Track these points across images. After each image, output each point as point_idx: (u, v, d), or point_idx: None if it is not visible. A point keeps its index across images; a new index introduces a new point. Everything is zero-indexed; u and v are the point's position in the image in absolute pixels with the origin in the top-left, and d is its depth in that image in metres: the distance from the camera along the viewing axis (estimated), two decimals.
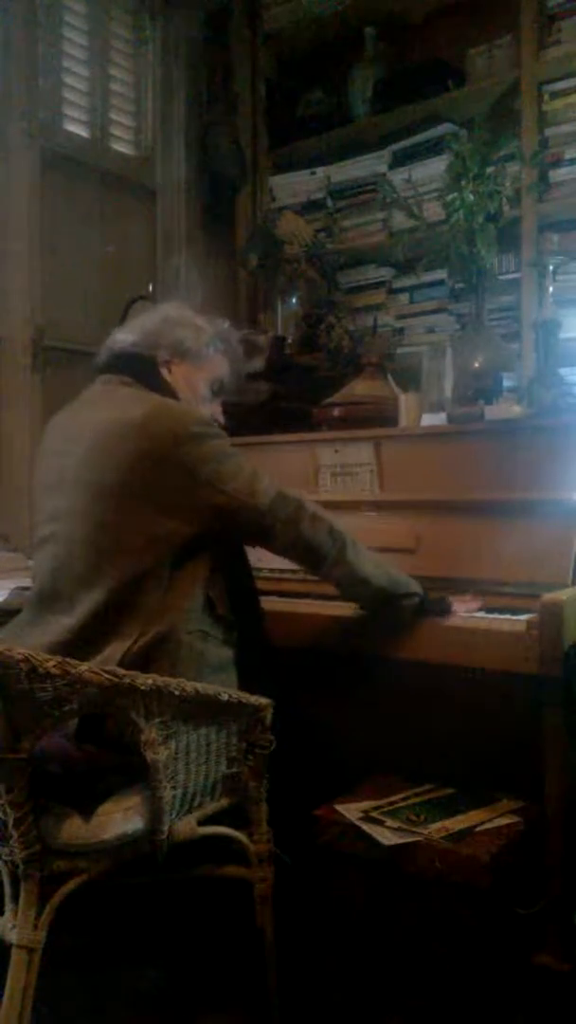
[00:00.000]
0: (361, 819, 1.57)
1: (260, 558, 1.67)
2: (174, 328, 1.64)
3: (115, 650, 1.37)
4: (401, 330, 2.92)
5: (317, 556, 1.53)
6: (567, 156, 2.54)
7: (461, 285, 2.60)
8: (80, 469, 1.48)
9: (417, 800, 1.66)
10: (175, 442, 1.44)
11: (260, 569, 1.79)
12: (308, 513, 1.51)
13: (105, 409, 1.52)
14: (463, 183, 2.20)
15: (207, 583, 1.48)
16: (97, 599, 1.41)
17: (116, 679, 1.21)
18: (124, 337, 1.64)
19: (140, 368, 1.59)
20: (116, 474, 1.44)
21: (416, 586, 1.62)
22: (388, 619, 1.63)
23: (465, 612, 1.63)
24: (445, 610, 1.63)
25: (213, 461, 1.46)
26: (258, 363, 2.45)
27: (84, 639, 1.39)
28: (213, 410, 1.72)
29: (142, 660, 1.37)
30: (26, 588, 1.61)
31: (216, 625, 1.50)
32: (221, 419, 1.75)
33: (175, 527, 1.43)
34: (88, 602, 1.42)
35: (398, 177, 2.83)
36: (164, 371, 1.62)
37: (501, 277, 2.57)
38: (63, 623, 1.43)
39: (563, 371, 2.04)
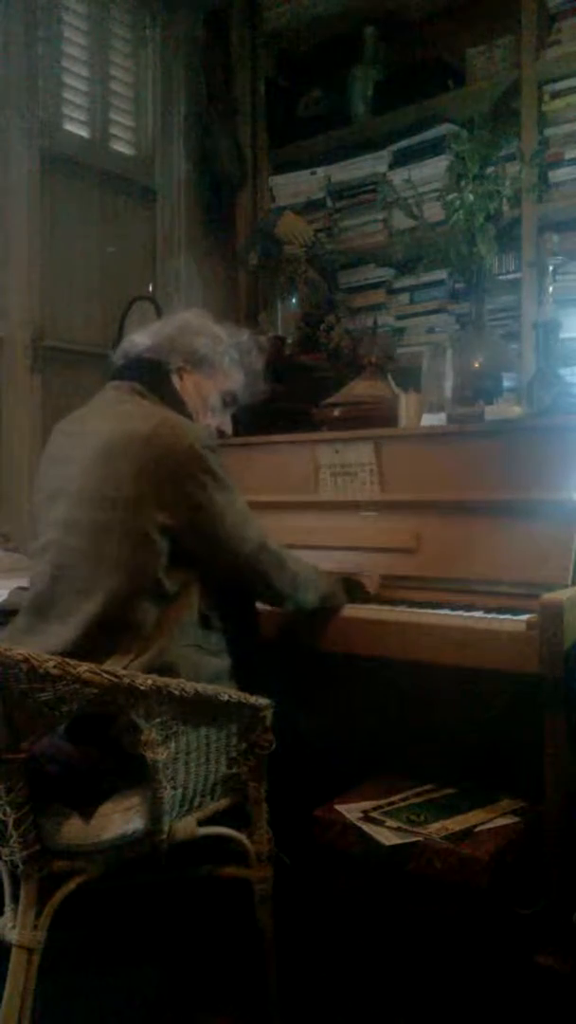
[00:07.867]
0: (361, 819, 1.58)
1: None
2: (191, 335, 1.66)
3: (114, 665, 1.34)
4: (401, 330, 2.92)
5: (275, 600, 1.64)
6: (567, 156, 2.54)
7: (461, 285, 2.60)
8: (83, 479, 1.47)
9: (417, 800, 1.66)
10: (176, 460, 1.44)
11: None
12: (281, 566, 1.57)
13: (112, 420, 1.52)
14: (463, 183, 2.20)
15: (203, 596, 1.48)
16: (94, 610, 1.40)
17: (116, 679, 1.21)
18: (141, 341, 1.65)
19: (151, 374, 1.60)
20: (117, 487, 1.43)
21: (340, 596, 1.75)
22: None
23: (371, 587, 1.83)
24: (365, 594, 1.81)
25: (208, 489, 1.46)
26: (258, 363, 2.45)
27: (82, 651, 1.36)
28: (222, 422, 1.72)
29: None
30: (26, 588, 1.61)
31: (211, 636, 1.50)
32: (230, 431, 1.75)
33: (166, 544, 1.43)
34: (84, 612, 1.40)
35: (398, 177, 2.83)
36: (175, 378, 1.62)
37: (501, 277, 2.57)
38: (60, 633, 1.42)
39: (563, 371, 2.04)
